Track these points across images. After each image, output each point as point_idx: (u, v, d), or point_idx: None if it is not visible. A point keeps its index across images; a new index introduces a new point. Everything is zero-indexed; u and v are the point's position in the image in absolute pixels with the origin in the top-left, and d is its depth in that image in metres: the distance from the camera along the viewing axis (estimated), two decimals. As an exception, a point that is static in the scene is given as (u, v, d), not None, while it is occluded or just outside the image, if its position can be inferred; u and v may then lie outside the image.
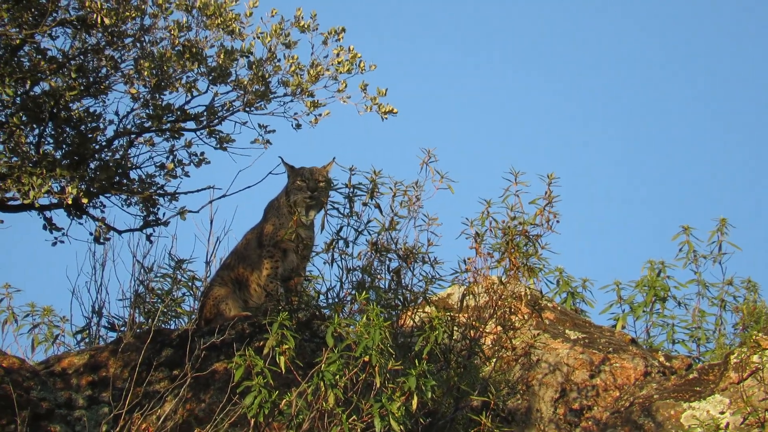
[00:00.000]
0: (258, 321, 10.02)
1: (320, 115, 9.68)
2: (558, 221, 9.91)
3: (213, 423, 8.77)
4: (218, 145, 9.63)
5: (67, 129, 9.40)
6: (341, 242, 9.99)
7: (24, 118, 9.23)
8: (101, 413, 9.58)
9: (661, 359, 11.12)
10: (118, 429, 8.90)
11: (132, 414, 9.18)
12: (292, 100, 9.67)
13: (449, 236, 9.99)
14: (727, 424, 9.94)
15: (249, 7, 9.45)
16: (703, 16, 25.01)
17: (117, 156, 9.48)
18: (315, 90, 9.65)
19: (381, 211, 10.03)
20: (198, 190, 9.69)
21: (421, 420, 8.77)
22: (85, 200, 9.17)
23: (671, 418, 10.16)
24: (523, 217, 9.96)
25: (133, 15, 9.19)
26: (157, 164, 9.62)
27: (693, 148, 24.02)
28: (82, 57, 9.27)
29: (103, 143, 9.48)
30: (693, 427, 10.00)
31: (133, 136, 9.55)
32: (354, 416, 8.27)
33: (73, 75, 9.23)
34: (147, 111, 9.48)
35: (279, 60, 9.60)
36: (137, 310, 11.36)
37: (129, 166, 9.52)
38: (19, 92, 9.19)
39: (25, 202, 8.93)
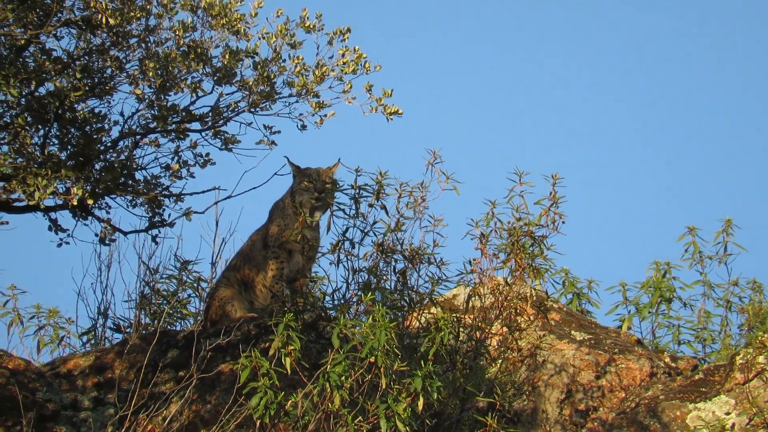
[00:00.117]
0: (264, 322, 10.01)
1: (325, 115, 9.67)
2: (563, 222, 9.91)
3: (219, 424, 8.77)
4: (223, 146, 9.63)
5: (72, 130, 9.39)
6: (347, 243, 9.99)
7: (29, 119, 9.22)
8: (107, 414, 9.57)
9: (667, 360, 11.11)
10: (123, 430, 8.90)
11: (138, 415, 9.17)
12: (297, 101, 9.67)
13: (455, 237, 10.00)
14: (733, 425, 9.93)
15: (254, 8, 9.45)
16: (702, 17, 24.99)
17: (122, 157, 9.47)
18: (320, 91, 9.64)
19: (387, 212, 10.03)
20: (203, 191, 9.69)
21: (427, 421, 8.75)
22: (90, 201, 9.16)
23: (677, 419, 10.15)
24: (529, 217, 9.95)
25: (138, 15, 9.18)
26: (163, 165, 9.61)
27: (699, 148, 24.01)
28: (87, 57, 9.27)
29: (108, 144, 9.47)
30: (699, 428, 10.00)
31: (138, 136, 9.55)
32: (360, 417, 8.27)
33: (78, 75, 9.22)
34: (152, 112, 9.47)
35: (284, 60, 9.59)
36: (143, 312, 11.35)
37: (134, 167, 9.51)
38: (24, 93, 9.19)
39: (31, 203, 8.92)
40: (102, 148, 9.42)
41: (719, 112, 24.26)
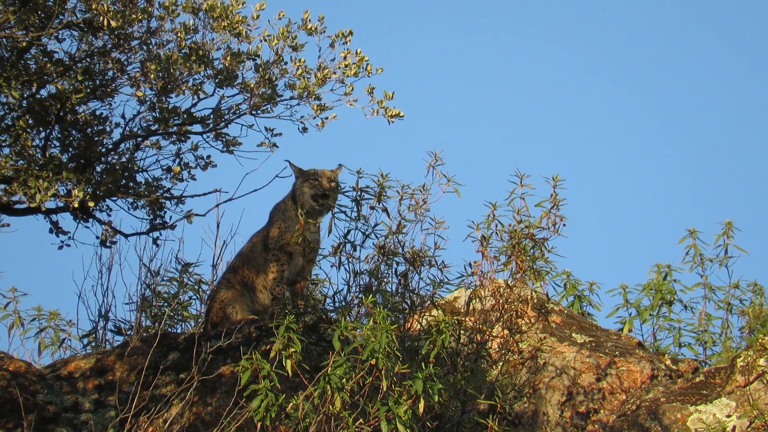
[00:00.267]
0: (265, 324, 10.01)
1: (327, 118, 9.68)
2: (564, 224, 9.91)
3: (220, 426, 8.77)
4: (225, 148, 9.63)
5: (74, 132, 9.40)
6: (348, 245, 9.98)
7: (30, 121, 9.23)
8: (108, 417, 9.57)
9: (668, 362, 11.11)
10: (124, 432, 8.91)
11: (138, 417, 9.17)
12: (298, 104, 9.68)
13: (456, 239, 9.99)
14: (734, 428, 9.93)
15: (256, 10, 9.45)
16: (702, 17, 25.00)
17: (123, 159, 9.48)
18: (322, 93, 9.65)
19: (388, 215, 10.02)
20: (204, 194, 9.69)
21: (428, 423, 8.76)
22: (91, 203, 9.16)
23: (678, 422, 10.15)
24: (530, 220, 9.95)
25: (140, 17, 9.19)
26: (164, 167, 9.62)
27: (700, 151, 24.02)
28: (88, 60, 9.27)
29: (110, 146, 9.47)
30: (699, 431, 9.99)
31: (139, 139, 9.55)
32: (361, 420, 8.27)
33: (80, 78, 9.23)
34: (153, 114, 9.47)
35: (286, 63, 9.60)
36: (144, 314, 11.35)
37: (135, 169, 9.52)
38: (25, 95, 9.19)
39: (32, 205, 8.92)
40: (103, 150, 9.43)
41: (720, 114, 24.27)
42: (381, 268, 9.88)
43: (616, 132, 24.19)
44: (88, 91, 9.28)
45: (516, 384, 10.62)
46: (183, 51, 9.34)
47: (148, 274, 11.55)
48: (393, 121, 9.63)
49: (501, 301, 9.77)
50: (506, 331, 9.79)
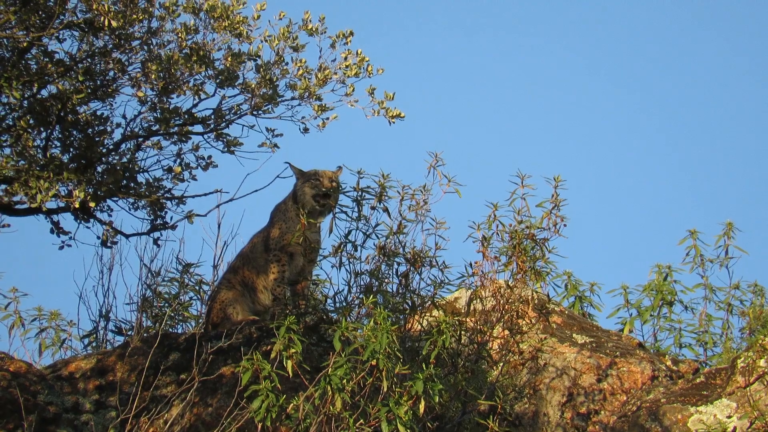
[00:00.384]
0: (265, 325, 10.01)
1: (328, 118, 9.68)
2: (565, 225, 9.91)
3: (220, 427, 8.77)
4: (226, 149, 9.63)
5: (75, 132, 9.40)
6: (349, 246, 9.97)
7: (31, 122, 9.23)
8: (108, 417, 9.56)
9: (669, 363, 11.11)
10: (125, 433, 8.90)
11: (139, 418, 9.17)
12: (299, 104, 9.67)
13: (456, 240, 9.99)
14: (734, 429, 9.93)
15: (257, 10, 9.45)
16: (702, 17, 24.99)
17: (124, 159, 9.47)
18: (323, 94, 9.65)
19: (389, 215, 10.02)
20: (205, 194, 9.69)
21: (429, 424, 8.76)
22: (92, 204, 9.16)
23: (678, 422, 10.15)
24: (530, 220, 9.95)
25: (141, 18, 9.19)
26: (165, 168, 9.62)
27: (700, 151, 24.01)
28: (89, 60, 9.27)
29: (111, 146, 9.47)
30: (700, 432, 10.01)
31: (140, 139, 9.55)
32: (361, 420, 8.27)
33: (81, 78, 9.22)
34: (154, 114, 9.47)
35: (287, 63, 9.60)
36: (144, 314, 11.35)
37: (136, 169, 9.51)
38: (26, 95, 9.19)
39: (33, 205, 8.92)
40: (104, 150, 9.43)
41: (720, 114, 24.27)
42: (382, 268, 9.88)
43: (616, 132, 24.19)
44: (89, 91, 9.27)
45: (516, 385, 10.62)
46: (184, 51, 9.34)
47: (149, 274, 11.55)
48: (394, 122, 9.62)
49: (502, 301, 9.76)
50: (507, 332, 9.78)
